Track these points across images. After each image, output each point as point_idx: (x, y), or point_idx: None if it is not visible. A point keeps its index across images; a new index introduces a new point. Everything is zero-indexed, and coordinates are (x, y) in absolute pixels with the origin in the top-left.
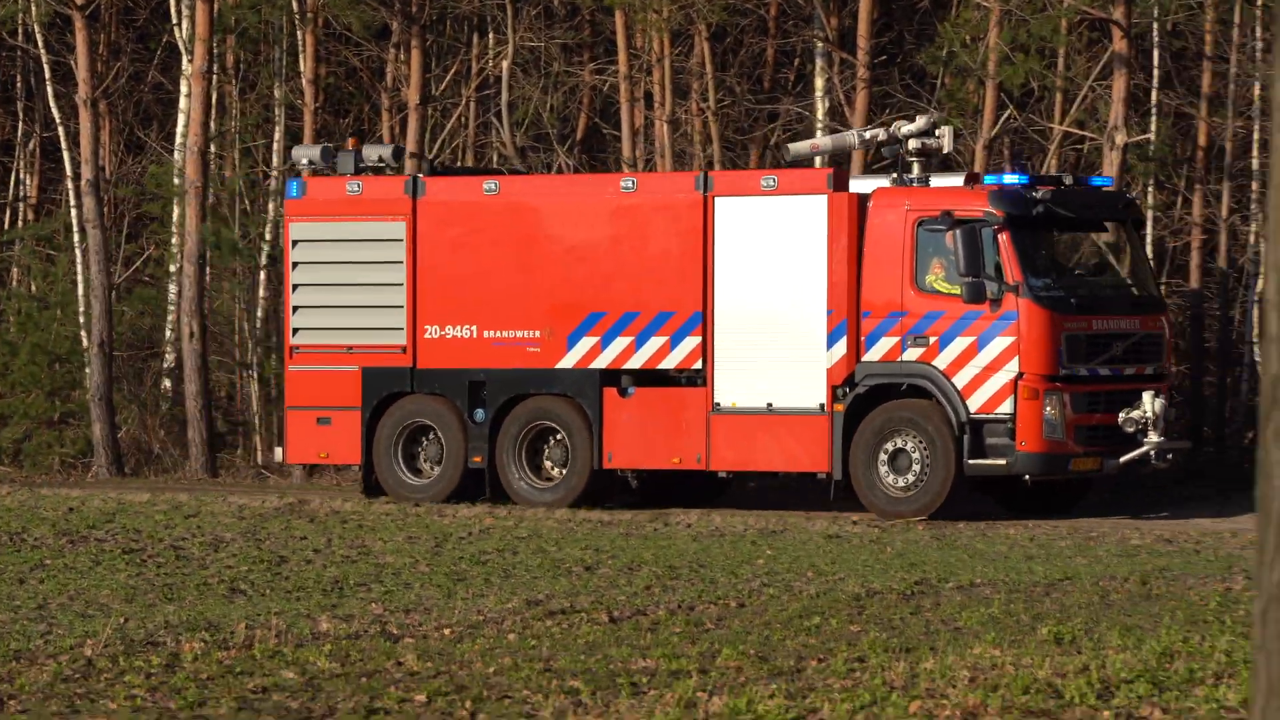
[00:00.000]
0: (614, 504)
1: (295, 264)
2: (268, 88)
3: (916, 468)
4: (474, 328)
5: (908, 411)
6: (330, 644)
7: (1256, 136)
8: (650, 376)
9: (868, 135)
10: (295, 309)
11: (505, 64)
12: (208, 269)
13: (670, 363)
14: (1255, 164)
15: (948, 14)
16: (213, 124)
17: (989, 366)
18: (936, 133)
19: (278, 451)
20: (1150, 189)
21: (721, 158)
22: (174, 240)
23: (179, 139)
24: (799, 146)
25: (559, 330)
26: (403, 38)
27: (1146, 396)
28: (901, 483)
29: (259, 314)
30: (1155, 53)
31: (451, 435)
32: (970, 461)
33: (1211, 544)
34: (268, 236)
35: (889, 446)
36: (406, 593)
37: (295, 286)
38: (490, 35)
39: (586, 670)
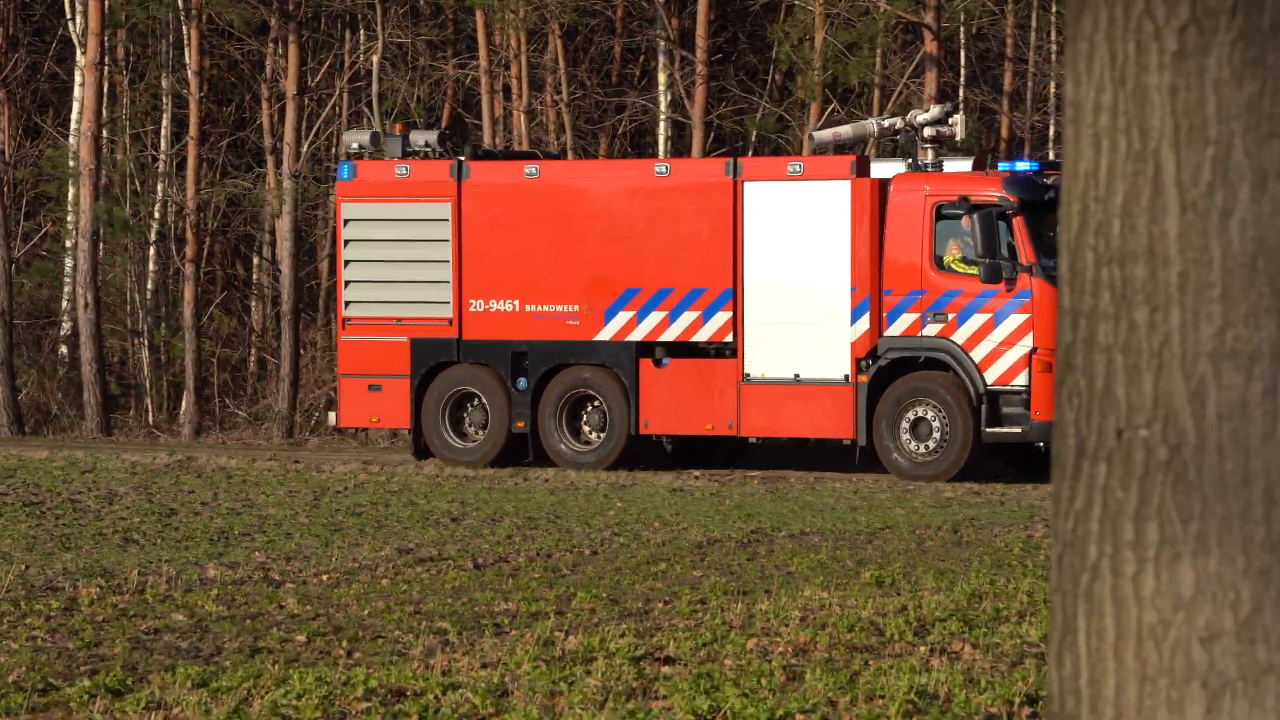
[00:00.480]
0: (648, 466)
1: (347, 242)
2: (155, 78)
3: (936, 435)
4: (516, 302)
5: (928, 383)
6: (217, 589)
7: (1052, 130)
8: (683, 348)
9: (886, 124)
10: (347, 284)
11: (375, 58)
12: (101, 245)
13: (702, 336)
14: (1051, 155)
15: (778, 16)
16: (105, 111)
17: (1005, 341)
18: (950, 120)
19: (331, 416)
20: None
21: (574, 145)
22: (69, 218)
23: (74, 125)
24: (822, 135)
25: (597, 304)
26: (281, 33)
27: None
28: (922, 449)
29: (149, 286)
30: (962, 53)
31: (496, 402)
32: (988, 430)
33: (1015, 496)
34: (156, 215)
35: (910, 415)
36: (287, 542)
37: (347, 263)
38: (361, 32)
39: (453, 612)
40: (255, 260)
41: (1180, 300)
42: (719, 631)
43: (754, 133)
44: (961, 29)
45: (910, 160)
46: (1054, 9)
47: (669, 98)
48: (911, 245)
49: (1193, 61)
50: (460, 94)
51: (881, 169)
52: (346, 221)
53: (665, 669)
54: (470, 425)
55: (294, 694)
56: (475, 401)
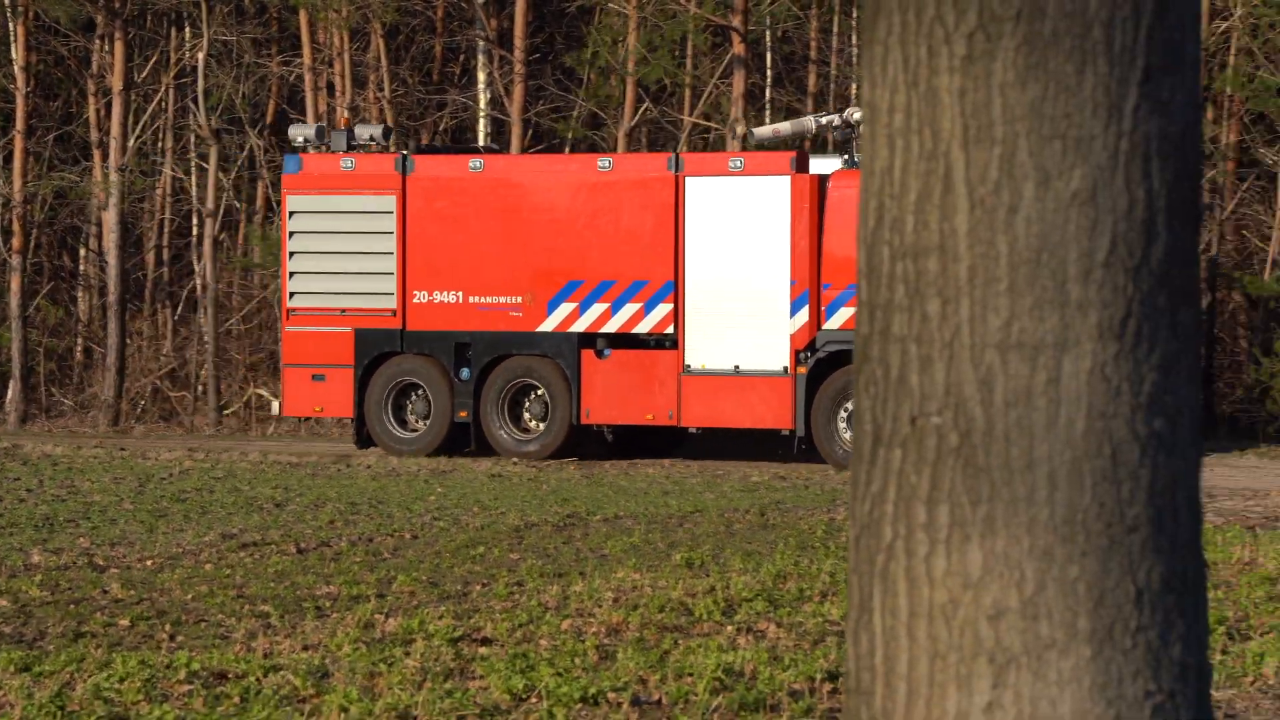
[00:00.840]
0: (589, 455)
1: (292, 234)
2: None
3: None
4: (460, 293)
5: None
6: (41, 574)
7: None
8: (625, 340)
9: (824, 120)
10: (292, 275)
11: (201, 55)
12: None
13: (644, 327)
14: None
15: (593, 18)
16: None
17: None
18: None
19: (274, 405)
20: None
21: (397, 140)
22: None
23: None
24: (762, 131)
25: (540, 296)
26: (107, 30)
27: None
28: None
29: None
30: (769, 56)
31: (438, 392)
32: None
33: (819, 480)
34: None
35: (847, 407)
36: (112, 528)
37: (291, 254)
38: (187, 29)
39: (276, 596)
40: (82, 252)
41: (969, 293)
42: (535, 613)
43: (571, 130)
44: (768, 32)
45: (846, 157)
46: (854, 14)
47: (488, 95)
48: (849, 240)
49: (980, 65)
50: (285, 90)
51: (819, 165)
52: (291, 214)
53: (483, 649)
54: (413, 415)
55: (117, 677)
56: (418, 392)
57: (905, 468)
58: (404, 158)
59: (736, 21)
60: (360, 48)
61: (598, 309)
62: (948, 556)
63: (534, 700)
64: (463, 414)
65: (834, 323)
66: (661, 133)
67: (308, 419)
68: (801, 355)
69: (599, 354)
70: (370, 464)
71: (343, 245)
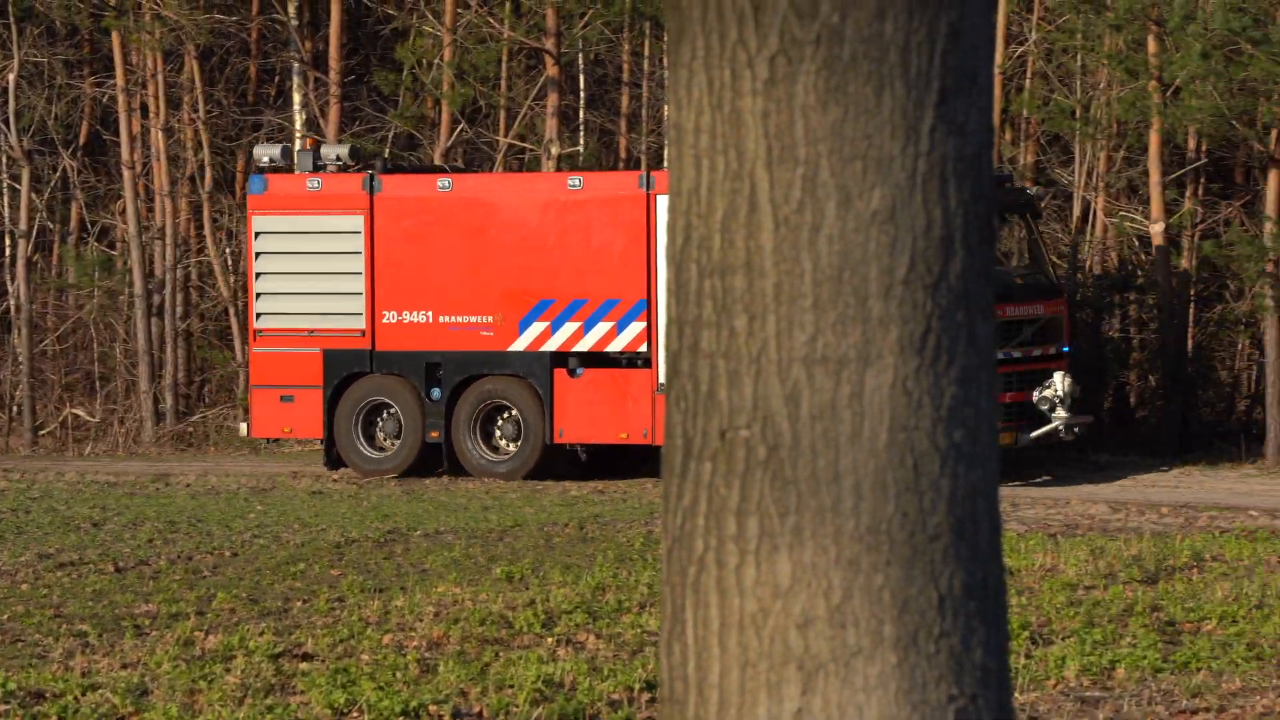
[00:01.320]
0: (563, 475)
1: (258, 254)
2: None
3: None
4: (430, 313)
5: None
6: None
7: (665, 151)
8: (597, 359)
9: None
10: (259, 295)
11: (11, 77)
12: None
13: (616, 346)
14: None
15: (406, 40)
16: None
17: None
18: None
19: (242, 426)
20: None
21: (211, 162)
22: None
23: None
24: None
25: (511, 316)
26: None
27: (1057, 376)
28: None
29: None
30: (581, 78)
31: (409, 412)
32: None
33: (637, 494)
34: None
35: None
36: None
37: (258, 275)
38: None
39: (94, 615)
40: None
41: (775, 309)
42: (356, 628)
43: (387, 150)
44: (580, 55)
45: None
46: (665, 38)
47: (304, 116)
48: None
49: (782, 88)
50: (99, 111)
51: None
52: (257, 234)
53: (304, 665)
54: (383, 435)
55: None
56: (389, 412)
57: (715, 480)
58: (371, 177)
59: (549, 44)
60: (174, 69)
61: (570, 328)
62: (757, 567)
63: (355, 715)
64: (434, 434)
65: None
66: (477, 153)
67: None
68: None
69: (572, 373)
70: (190, 482)
71: (310, 265)
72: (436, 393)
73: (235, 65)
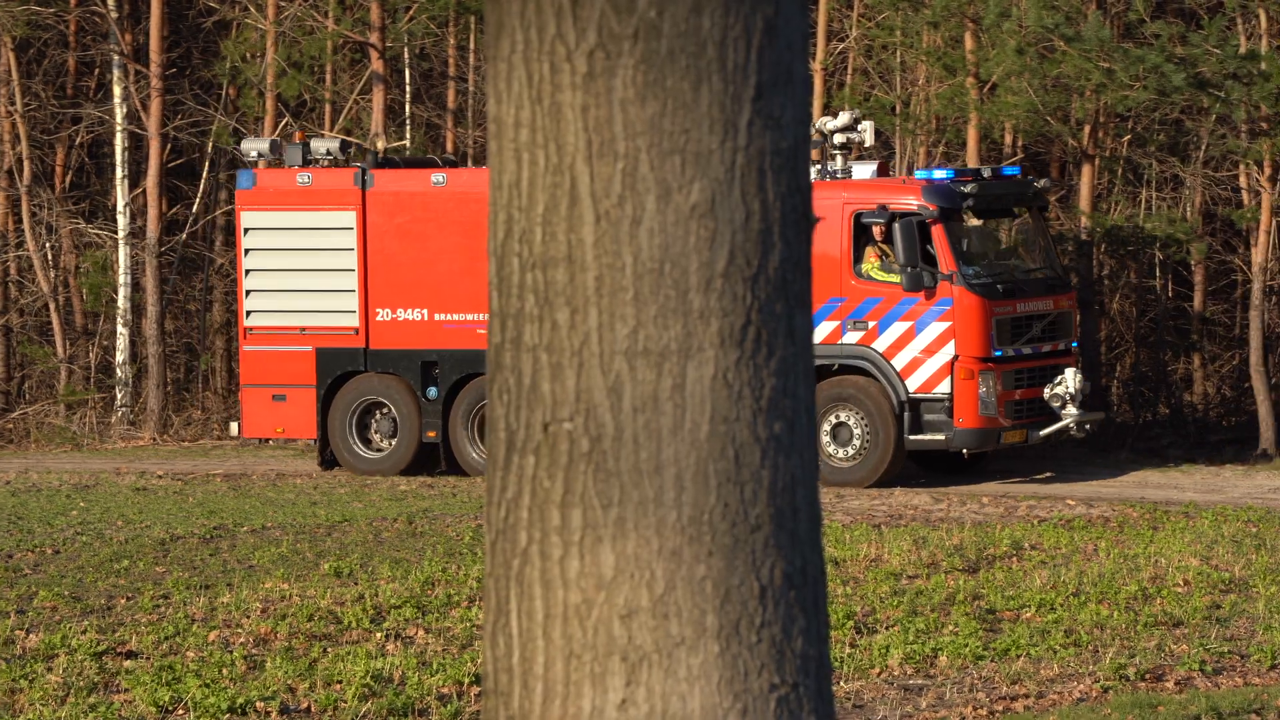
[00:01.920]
0: None
1: (247, 251)
2: None
3: (857, 441)
4: (425, 311)
5: (849, 389)
6: None
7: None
8: None
9: None
10: (248, 293)
11: None
12: None
13: None
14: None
15: (230, 33)
16: None
17: (926, 349)
18: (859, 128)
19: (233, 426)
20: None
21: (30, 155)
22: None
23: None
24: None
25: None
26: None
27: (1069, 373)
28: (843, 454)
29: None
30: (407, 72)
31: (405, 412)
32: (910, 437)
33: (466, 488)
34: None
35: (831, 419)
36: None
37: (248, 272)
38: None
39: None
40: None
41: (597, 302)
42: (181, 625)
43: (211, 144)
44: (406, 49)
45: (820, 166)
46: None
47: (125, 110)
48: (830, 253)
49: (601, 82)
50: None
51: None
52: (246, 230)
53: (128, 663)
54: (378, 435)
55: None
56: (383, 411)
57: (539, 473)
58: (363, 172)
59: (374, 38)
60: None
61: None
62: (581, 558)
63: (181, 712)
64: (431, 434)
65: (816, 337)
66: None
67: None
68: None
69: None
70: (10, 479)
71: (301, 262)
72: (433, 391)
73: (54, 57)
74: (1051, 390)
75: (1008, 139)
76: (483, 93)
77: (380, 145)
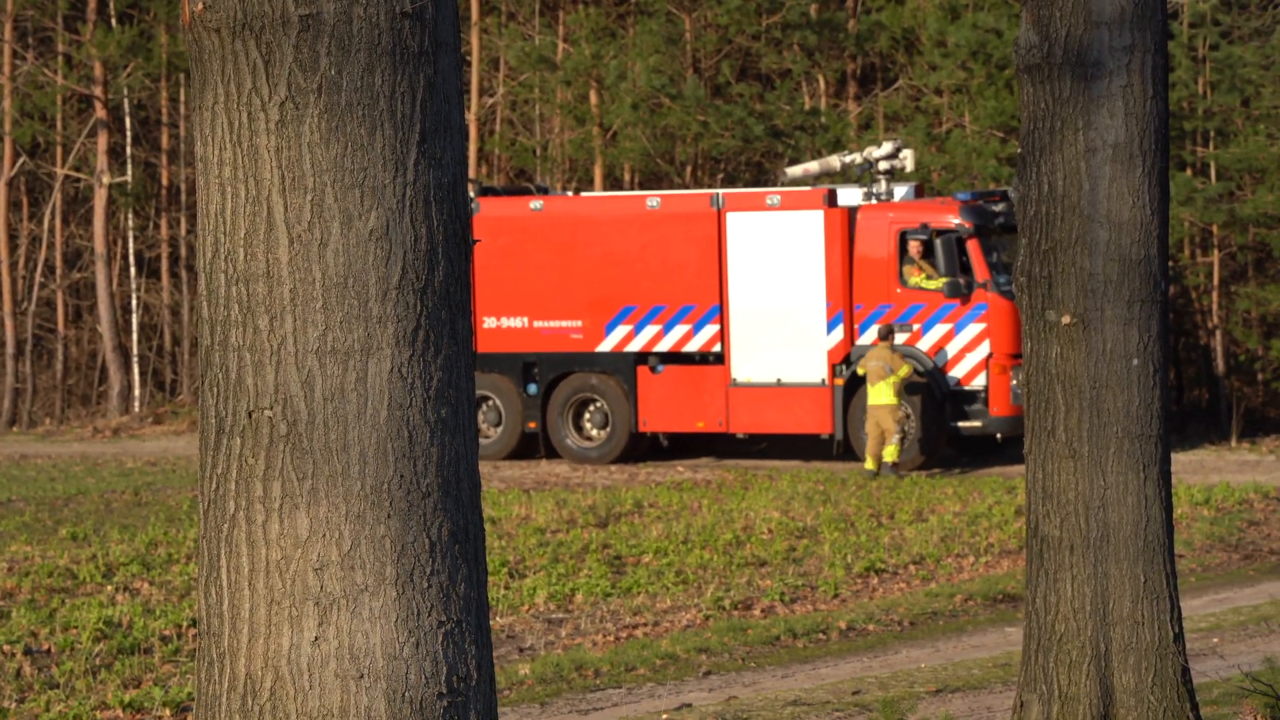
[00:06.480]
0: (645, 458)
1: None
2: None
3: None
4: (525, 318)
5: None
6: None
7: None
8: (676, 357)
9: (847, 159)
10: None
11: None
12: None
13: (693, 346)
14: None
15: None
16: None
17: (965, 348)
18: (900, 155)
19: None
20: (130, 215)
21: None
22: None
23: None
24: (793, 170)
25: (598, 320)
26: None
27: None
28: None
29: None
30: (128, 119)
31: (509, 405)
32: (955, 424)
33: (184, 466)
34: None
35: None
36: None
37: None
38: None
39: None
40: None
41: (292, 310)
42: None
43: None
44: (125, 99)
45: (866, 190)
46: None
47: None
48: (878, 266)
49: (291, 128)
50: None
51: (845, 196)
52: None
53: None
54: (486, 424)
55: None
56: (489, 403)
57: (245, 452)
58: (470, 200)
59: (98, 90)
60: None
61: (650, 330)
62: (280, 522)
63: None
64: (531, 424)
65: (866, 338)
66: (38, 183)
67: None
68: (838, 368)
69: (653, 369)
70: None
71: None
72: (533, 388)
73: None
74: None
75: (626, 177)
76: (192, 136)
77: (106, 180)
